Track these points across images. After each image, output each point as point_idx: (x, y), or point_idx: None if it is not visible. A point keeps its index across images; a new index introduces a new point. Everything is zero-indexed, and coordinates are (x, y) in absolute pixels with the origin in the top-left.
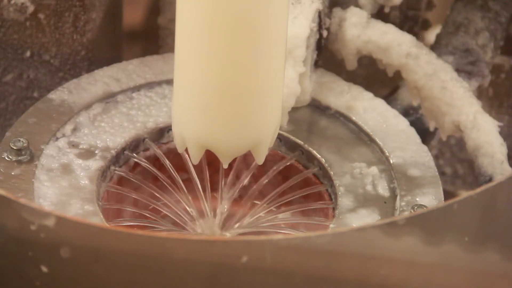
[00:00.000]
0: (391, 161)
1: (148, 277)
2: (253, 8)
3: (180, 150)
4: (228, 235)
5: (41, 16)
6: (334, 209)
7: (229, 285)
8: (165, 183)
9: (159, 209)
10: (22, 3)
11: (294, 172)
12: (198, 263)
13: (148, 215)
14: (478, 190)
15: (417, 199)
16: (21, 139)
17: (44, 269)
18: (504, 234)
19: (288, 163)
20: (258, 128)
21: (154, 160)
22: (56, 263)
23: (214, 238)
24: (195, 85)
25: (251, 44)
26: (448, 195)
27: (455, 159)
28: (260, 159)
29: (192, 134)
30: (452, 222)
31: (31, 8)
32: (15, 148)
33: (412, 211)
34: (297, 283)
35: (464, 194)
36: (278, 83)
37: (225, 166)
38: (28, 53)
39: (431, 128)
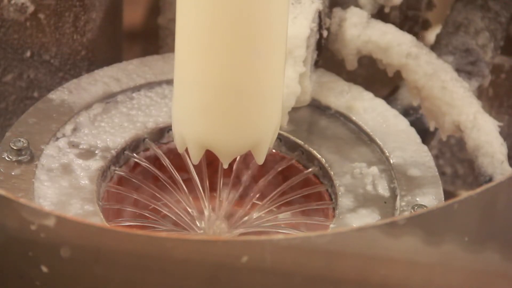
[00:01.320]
0: (391, 161)
1: (148, 277)
2: (253, 8)
3: (180, 150)
4: (228, 234)
5: (41, 16)
6: (334, 209)
7: (229, 285)
8: (165, 183)
9: (159, 209)
10: (22, 3)
11: (294, 172)
12: (198, 263)
13: (148, 215)
14: (478, 190)
15: (417, 199)
16: (21, 139)
17: (44, 269)
18: (504, 234)
19: (288, 163)
20: (258, 128)
21: (154, 160)
22: (56, 263)
23: (214, 238)
24: (195, 85)
25: (251, 44)
26: (448, 195)
27: (455, 159)
28: (260, 159)
29: (192, 134)
30: (452, 222)
31: (31, 8)
32: (15, 148)
33: (412, 211)
34: (297, 283)
35: (464, 194)
36: (278, 83)
37: (225, 166)
38: (28, 53)
39: (431, 128)
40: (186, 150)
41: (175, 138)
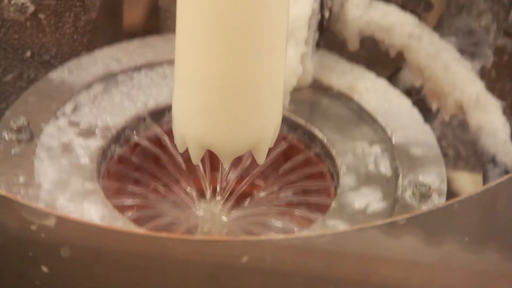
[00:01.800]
0: (394, 140)
1: (148, 277)
2: (253, 8)
3: (181, 150)
4: (229, 215)
5: (41, 16)
6: (336, 188)
7: (229, 285)
8: (165, 163)
9: (160, 189)
10: (23, 3)
11: (295, 151)
12: (198, 263)
13: (149, 195)
14: (478, 190)
15: (420, 177)
16: (21, 118)
17: (44, 269)
18: (504, 234)
19: (290, 143)
20: (258, 128)
21: (155, 140)
22: (56, 263)
23: (214, 238)
24: (195, 85)
25: (252, 44)
26: (450, 176)
27: (458, 141)
28: (260, 159)
29: (192, 134)
30: (452, 222)
31: (31, 8)
32: (15, 127)
33: (414, 189)
34: (297, 283)
35: (464, 194)
36: (278, 83)
37: (226, 166)
38: (28, 53)
39: (434, 109)
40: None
41: (176, 138)
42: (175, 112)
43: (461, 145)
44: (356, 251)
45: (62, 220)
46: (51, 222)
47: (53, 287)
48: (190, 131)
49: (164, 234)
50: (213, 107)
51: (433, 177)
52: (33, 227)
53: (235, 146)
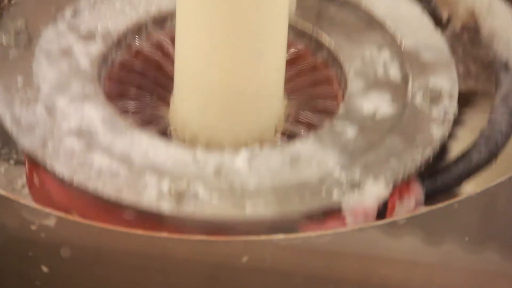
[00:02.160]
0: (403, 45)
1: (148, 277)
2: (254, 6)
3: None
4: None
5: None
6: (343, 93)
7: (229, 285)
8: (167, 71)
9: (162, 94)
10: None
11: (302, 58)
12: (198, 263)
13: (150, 100)
14: (478, 190)
15: (430, 81)
16: (19, 22)
17: (44, 269)
18: (504, 234)
19: (296, 50)
20: (258, 127)
21: (157, 47)
22: (56, 263)
23: (214, 238)
24: (195, 84)
25: (252, 43)
26: (460, 95)
27: (468, 57)
28: None
29: (192, 133)
30: (452, 222)
31: None
32: (12, 31)
33: (425, 93)
34: (297, 283)
35: (464, 194)
36: (278, 81)
37: None
38: None
39: (444, 19)
40: None
41: (176, 137)
42: (175, 111)
43: (471, 62)
44: (356, 251)
45: (62, 220)
46: (51, 222)
47: (53, 287)
48: (190, 130)
49: (164, 234)
50: (213, 106)
51: (444, 81)
52: (33, 227)
53: (235, 145)
